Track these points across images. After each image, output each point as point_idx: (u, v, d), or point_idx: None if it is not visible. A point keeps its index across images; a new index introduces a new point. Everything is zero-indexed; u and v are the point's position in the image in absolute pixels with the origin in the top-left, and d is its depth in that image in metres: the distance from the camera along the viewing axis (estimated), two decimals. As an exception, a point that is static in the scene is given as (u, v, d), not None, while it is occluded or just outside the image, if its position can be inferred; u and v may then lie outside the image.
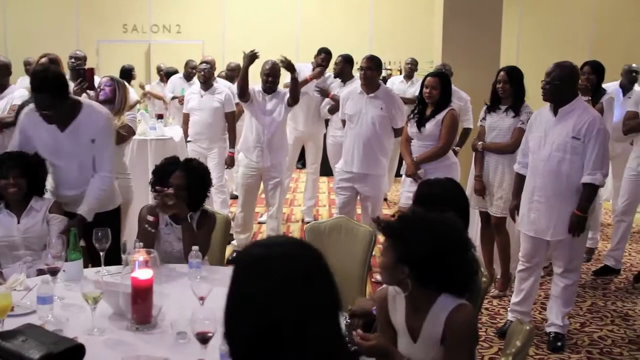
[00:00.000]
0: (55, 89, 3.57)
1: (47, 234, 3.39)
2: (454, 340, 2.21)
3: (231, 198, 7.47)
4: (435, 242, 2.20)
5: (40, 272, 3.16)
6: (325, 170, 7.91)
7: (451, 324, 2.20)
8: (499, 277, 5.09)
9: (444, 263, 2.21)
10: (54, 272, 2.79)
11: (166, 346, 2.28)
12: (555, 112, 4.05)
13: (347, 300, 3.18)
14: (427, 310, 2.26)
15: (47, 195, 3.71)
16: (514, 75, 4.82)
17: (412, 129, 4.99)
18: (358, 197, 5.53)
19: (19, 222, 3.45)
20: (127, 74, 9.22)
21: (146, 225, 3.31)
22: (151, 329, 2.47)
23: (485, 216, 5.07)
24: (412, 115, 5.05)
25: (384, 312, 2.46)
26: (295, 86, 5.80)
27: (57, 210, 3.58)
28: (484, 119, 5.02)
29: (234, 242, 6.25)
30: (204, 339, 2.15)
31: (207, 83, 6.66)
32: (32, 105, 3.78)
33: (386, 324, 2.45)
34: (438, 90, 4.87)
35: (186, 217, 3.32)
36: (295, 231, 7.10)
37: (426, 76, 5.06)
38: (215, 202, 6.46)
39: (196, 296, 2.52)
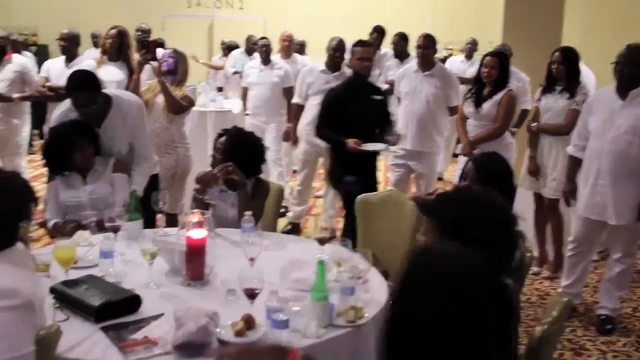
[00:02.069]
0: (93, 85, 3.73)
1: (111, 194, 3.57)
2: None
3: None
4: (482, 217, 2.21)
5: (100, 226, 3.33)
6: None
7: None
8: (551, 259, 5.09)
9: (490, 239, 2.23)
10: (115, 229, 2.95)
11: (216, 301, 2.40)
12: (622, 95, 3.99)
13: (393, 274, 3.28)
14: None
15: None
16: (568, 56, 4.76)
17: (468, 108, 4.98)
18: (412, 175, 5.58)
19: (85, 184, 3.63)
20: None
21: (194, 192, 3.45)
22: (203, 285, 2.60)
23: (538, 198, 5.04)
24: (469, 95, 5.04)
25: None
26: None
27: (120, 168, 3.74)
28: (539, 99, 4.98)
29: (289, 214, 6.40)
30: (251, 294, 2.27)
31: (266, 58, 6.77)
32: (63, 108, 3.91)
33: None
34: (496, 70, 4.85)
35: (243, 184, 3.44)
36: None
37: (485, 55, 5.04)
38: (272, 175, 6.59)
39: (246, 257, 2.64)
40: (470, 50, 8.43)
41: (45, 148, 3.67)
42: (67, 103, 3.87)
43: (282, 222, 6.29)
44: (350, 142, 4.54)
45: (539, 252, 5.18)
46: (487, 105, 4.87)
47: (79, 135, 3.58)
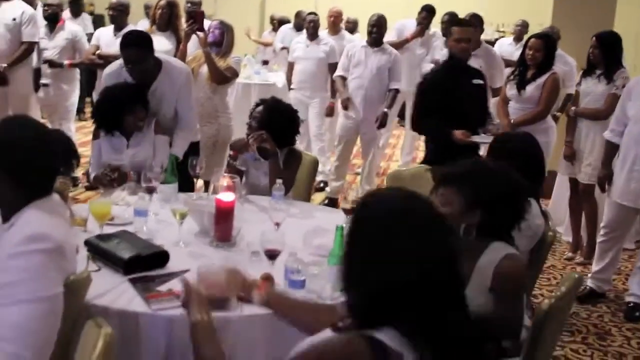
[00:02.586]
0: (144, 43, 3.81)
1: (151, 156, 3.69)
2: (502, 289, 2.28)
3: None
4: (501, 184, 2.30)
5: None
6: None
7: (500, 273, 2.27)
8: (585, 244, 5.07)
9: (509, 206, 2.31)
10: (150, 190, 3.08)
11: (241, 262, 2.50)
12: None
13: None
14: (477, 257, 2.33)
15: None
16: (604, 41, 4.71)
17: (511, 90, 4.96)
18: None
19: (128, 147, 3.74)
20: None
21: (229, 158, 3.56)
22: (230, 247, 2.71)
23: (574, 183, 5.02)
24: (512, 77, 5.01)
25: None
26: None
27: (160, 130, 3.83)
28: (579, 83, 4.94)
29: (327, 189, 6.50)
30: (271, 255, 2.37)
31: (314, 34, 6.83)
32: (113, 66, 4.01)
33: None
34: (541, 53, 4.80)
35: (275, 153, 3.53)
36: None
37: (529, 37, 5.00)
38: (314, 150, 6.68)
39: (272, 221, 2.74)
40: (520, 32, 8.27)
41: (98, 106, 3.80)
42: (118, 62, 3.97)
43: (320, 197, 6.40)
44: (458, 133, 4.17)
45: (573, 237, 5.17)
46: (530, 88, 4.84)
47: (132, 98, 3.67)
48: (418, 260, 1.41)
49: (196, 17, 4.89)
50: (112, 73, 3.97)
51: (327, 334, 1.55)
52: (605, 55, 4.69)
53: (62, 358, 1.92)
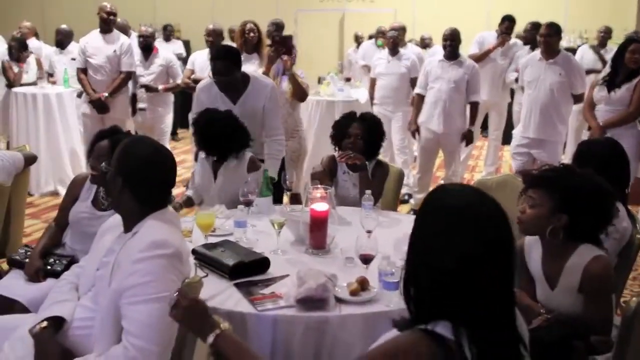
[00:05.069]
0: (232, 57, 4.03)
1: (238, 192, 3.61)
2: (591, 290, 2.36)
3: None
4: (590, 191, 2.38)
5: None
6: (508, 138, 7.93)
7: (589, 274, 2.34)
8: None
9: (596, 211, 2.39)
10: (248, 203, 3.28)
11: (336, 267, 2.66)
12: None
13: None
14: (566, 259, 2.42)
15: None
16: None
17: (601, 92, 4.95)
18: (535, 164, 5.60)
19: (215, 177, 3.79)
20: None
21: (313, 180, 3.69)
22: (324, 253, 2.88)
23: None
24: (601, 81, 5.02)
25: (521, 261, 2.64)
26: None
27: (254, 167, 3.80)
28: None
29: (411, 201, 6.61)
30: (366, 260, 2.52)
31: (394, 49, 6.97)
32: (205, 82, 4.27)
33: (523, 272, 2.64)
34: None
35: (364, 167, 3.69)
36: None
37: (631, 42, 4.98)
38: (397, 163, 6.80)
39: (364, 229, 2.88)
40: (602, 38, 8.18)
41: (200, 129, 3.81)
42: (208, 79, 4.24)
43: (405, 209, 6.50)
44: None
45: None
46: (621, 90, 4.87)
47: (230, 127, 3.75)
48: (467, 252, 1.45)
49: (285, 42, 5.09)
50: (204, 87, 4.24)
51: (393, 333, 1.58)
52: None
53: (177, 355, 2.12)
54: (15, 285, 3.02)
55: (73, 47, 7.35)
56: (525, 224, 2.50)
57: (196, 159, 4.08)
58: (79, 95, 6.77)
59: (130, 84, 6.53)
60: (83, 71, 6.24)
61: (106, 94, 6.10)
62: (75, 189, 3.27)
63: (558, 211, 2.39)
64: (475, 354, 1.41)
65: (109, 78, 6.20)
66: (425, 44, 10.22)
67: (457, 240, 1.46)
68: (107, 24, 6.22)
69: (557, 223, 2.40)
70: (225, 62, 3.99)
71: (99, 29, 6.30)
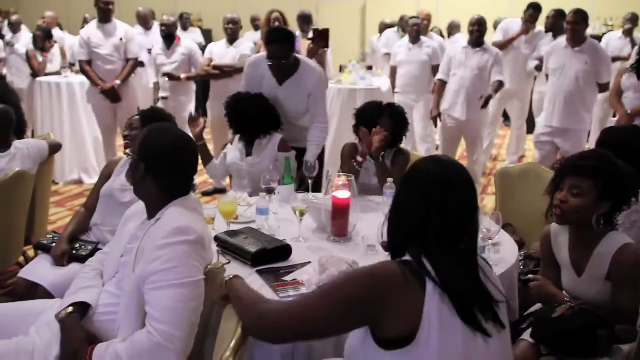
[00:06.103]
0: (288, 41, 4.06)
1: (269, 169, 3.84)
2: (620, 278, 2.35)
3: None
4: (631, 178, 2.36)
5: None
6: (532, 127, 7.87)
7: (618, 262, 2.34)
8: None
9: (631, 197, 2.38)
10: (270, 190, 3.29)
11: (357, 255, 2.66)
12: None
13: (528, 244, 3.39)
14: (594, 247, 2.41)
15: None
16: None
17: (630, 80, 4.83)
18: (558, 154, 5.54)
19: (247, 155, 3.93)
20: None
21: (354, 163, 3.68)
22: (346, 241, 2.89)
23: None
24: (630, 69, 4.93)
25: (547, 248, 2.64)
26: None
27: (284, 148, 3.94)
28: None
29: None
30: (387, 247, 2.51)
31: (416, 37, 6.93)
32: (256, 57, 4.31)
33: (550, 260, 2.63)
34: None
35: (382, 154, 3.66)
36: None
37: None
38: (420, 151, 6.77)
39: (385, 217, 2.87)
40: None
41: (231, 111, 3.97)
42: (261, 54, 4.29)
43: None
44: None
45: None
46: None
47: (259, 108, 3.90)
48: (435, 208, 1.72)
49: (322, 36, 5.08)
50: (253, 63, 4.28)
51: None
52: None
53: (201, 338, 2.14)
54: (40, 270, 3.07)
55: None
56: (570, 214, 2.43)
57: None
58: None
59: (151, 72, 6.53)
60: (88, 63, 6.18)
61: (118, 82, 6.11)
62: (107, 170, 3.41)
63: (604, 198, 2.36)
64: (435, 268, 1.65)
65: (119, 67, 6.21)
66: (450, 31, 10.09)
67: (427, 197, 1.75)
68: (106, 13, 6.20)
69: (601, 210, 2.38)
70: (283, 45, 4.03)
71: (97, 20, 6.25)
